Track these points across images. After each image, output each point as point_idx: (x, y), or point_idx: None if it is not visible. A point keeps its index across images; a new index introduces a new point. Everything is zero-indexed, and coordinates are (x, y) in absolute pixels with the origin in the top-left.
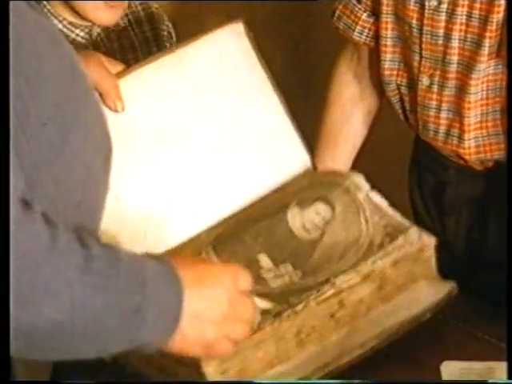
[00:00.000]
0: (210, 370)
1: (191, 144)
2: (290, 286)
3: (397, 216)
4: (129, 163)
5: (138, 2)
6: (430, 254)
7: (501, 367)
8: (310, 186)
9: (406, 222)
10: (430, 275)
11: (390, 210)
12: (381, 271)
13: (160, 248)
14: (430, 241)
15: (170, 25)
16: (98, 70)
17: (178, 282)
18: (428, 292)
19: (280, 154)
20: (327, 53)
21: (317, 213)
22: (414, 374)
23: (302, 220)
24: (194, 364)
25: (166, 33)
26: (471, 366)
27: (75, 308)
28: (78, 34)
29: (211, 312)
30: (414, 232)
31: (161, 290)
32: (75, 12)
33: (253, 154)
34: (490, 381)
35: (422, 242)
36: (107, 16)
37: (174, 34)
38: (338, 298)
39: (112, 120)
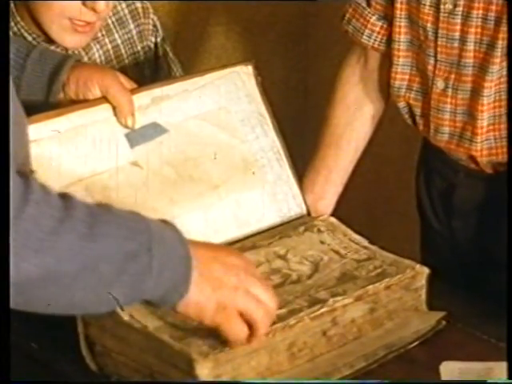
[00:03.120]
0: (203, 374)
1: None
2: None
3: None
4: None
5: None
6: (422, 283)
7: (500, 367)
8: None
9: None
10: (420, 306)
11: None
12: (374, 293)
13: None
14: (422, 270)
15: (156, 18)
16: (114, 85)
17: (185, 239)
18: (417, 321)
19: (274, 197)
20: (327, 53)
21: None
22: (414, 373)
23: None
24: (187, 368)
25: (151, 27)
26: (471, 366)
27: (64, 256)
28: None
29: (225, 275)
30: (408, 261)
31: (166, 240)
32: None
33: (246, 193)
34: (490, 381)
35: (415, 271)
36: (74, 40)
37: (159, 27)
38: (332, 315)
39: None
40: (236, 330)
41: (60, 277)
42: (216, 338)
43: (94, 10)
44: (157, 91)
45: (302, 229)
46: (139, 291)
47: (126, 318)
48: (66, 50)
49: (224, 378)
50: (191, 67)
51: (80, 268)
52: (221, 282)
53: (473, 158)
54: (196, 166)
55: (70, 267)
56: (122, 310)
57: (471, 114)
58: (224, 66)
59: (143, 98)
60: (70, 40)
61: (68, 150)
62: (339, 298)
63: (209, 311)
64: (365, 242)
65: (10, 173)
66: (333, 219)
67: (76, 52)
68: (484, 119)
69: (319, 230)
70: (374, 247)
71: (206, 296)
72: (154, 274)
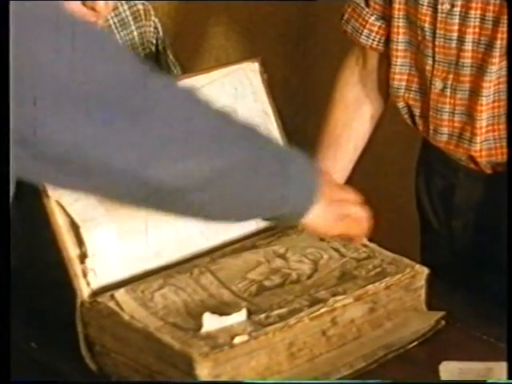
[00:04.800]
0: (203, 374)
1: None
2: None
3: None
4: None
5: (124, 2)
6: (421, 283)
7: (500, 367)
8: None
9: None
10: (419, 305)
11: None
12: (374, 293)
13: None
14: (422, 269)
15: (157, 20)
16: None
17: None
18: (417, 321)
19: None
20: (327, 53)
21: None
22: (413, 373)
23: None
24: (186, 368)
25: (152, 28)
26: (470, 366)
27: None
28: None
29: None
30: (407, 260)
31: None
32: None
33: None
34: (490, 381)
35: (414, 270)
36: None
37: (160, 29)
38: (331, 315)
39: None
40: (356, 231)
41: (228, 175)
42: (216, 337)
43: (93, 9)
44: None
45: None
46: (277, 203)
47: (126, 317)
48: None
49: (224, 378)
50: (191, 67)
51: (245, 167)
52: (339, 200)
53: (472, 158)
54: None
55: (239, 166)
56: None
57: (470, 115)
58: (230, 63)
59: None
60: None
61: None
62: (339, 297)
63: (332, 223)
64: (364, 240)
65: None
66: None
67: None
68: (483, 119)
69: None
70: (373, 245)
71: (329, 211)
72: (294, 183)
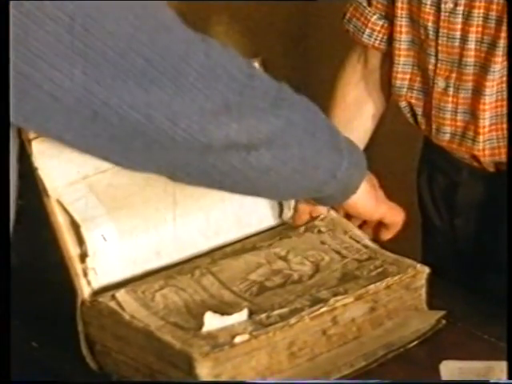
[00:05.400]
0: (203, 373)
1: None
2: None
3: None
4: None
5: None
6: (422, 283)
7: (500, 367)
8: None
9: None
10: (420, 305)
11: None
12: (374, 292)
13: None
14: (423, 269)
15: None
16: None
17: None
18: (417, 321)
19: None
20: (327, 53)
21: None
22: (414, 373)
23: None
24: (187, 367)
25: None
26: (471, 366)
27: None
28: None
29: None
30: (408, 260)
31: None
32: None
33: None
34: (492, 381)
35: (415, 270)
36: None
37: None
38: (332, 315)
39: None
40: (394, 218)
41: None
42: (217, 337)
43: None
44: None
45: (302, 229)
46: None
47: (127, 317)
48: None
49: (224, 377)
50: None
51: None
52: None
53: (475, 157)
54: None
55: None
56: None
57: (473, 114)
58: None
59: None
60: None
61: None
62: (340, 297)
63: (374, 204)
64: (365, 240)
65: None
66: (333, 214)
67: None
68: (486, 119)
69: (319, 231)
70: (374, 246)
71: (372, 193)
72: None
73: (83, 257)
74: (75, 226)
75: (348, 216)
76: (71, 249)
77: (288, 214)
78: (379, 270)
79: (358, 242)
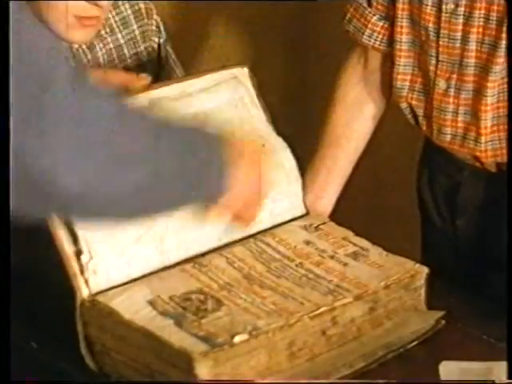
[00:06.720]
0: (203, 373)
1: None
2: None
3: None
4: None
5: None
6: (421, 283)
7: (500, 367)
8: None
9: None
10: (419, 305)
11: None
12: (373, 292)
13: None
14: (422, 269)
15: (159, 19)
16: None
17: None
18: (416, 321)
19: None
20: (327, 53)
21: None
22: (413, 373)
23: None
24: (186, 367)
25: (154, 27)
26: (470, 366)
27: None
28: None
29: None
30: (408, 260)
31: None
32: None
33: None
34: (496, 381)
35: (415, 270)
36: (82, 35)
37: (162, 28)
38: (331, 315)
39: None
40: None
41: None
42: (216, 336)
43: (96, 5)
44: (155, 93)
45: (301, 229)
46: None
47: (126, 317)
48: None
49: (223, 377)
50: (191, 67)
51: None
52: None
53: (477, 158)
54: None
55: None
56: None
57: (475, 115)
58: (220, 68)
59: (142, 99)
60: (79, 35)
61: None
62: (340, 297)
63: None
64: (365, 242)
65: None
66: (331, 223)
67: (80, 50)
68: (488, 119)
69: (319, 236)
70: (374, 247)
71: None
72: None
73: (78, 254)
74: (70, 225)
75: None
76: (67, 247)
77: None
78: (379, 270)
79: (356, 245)
